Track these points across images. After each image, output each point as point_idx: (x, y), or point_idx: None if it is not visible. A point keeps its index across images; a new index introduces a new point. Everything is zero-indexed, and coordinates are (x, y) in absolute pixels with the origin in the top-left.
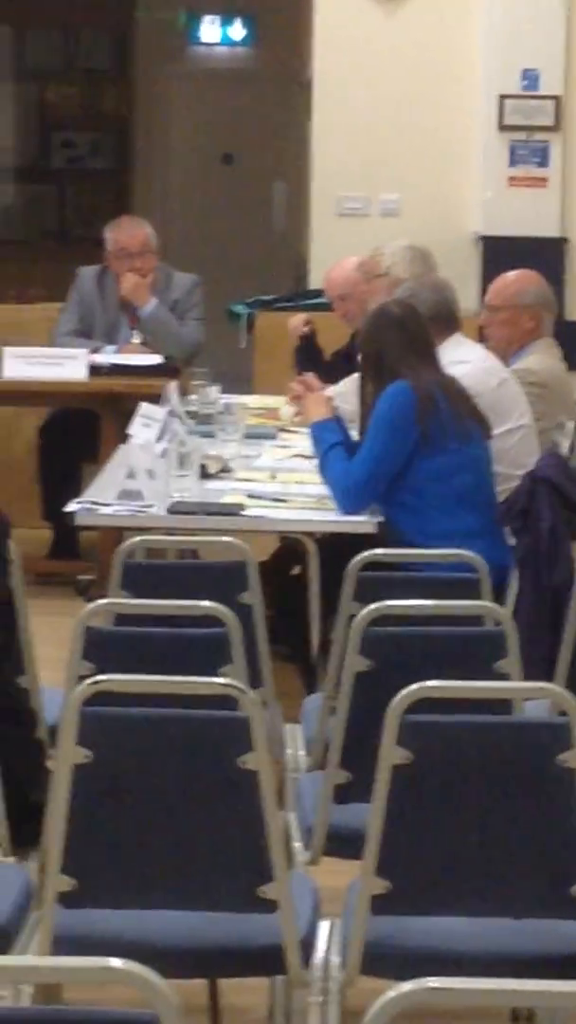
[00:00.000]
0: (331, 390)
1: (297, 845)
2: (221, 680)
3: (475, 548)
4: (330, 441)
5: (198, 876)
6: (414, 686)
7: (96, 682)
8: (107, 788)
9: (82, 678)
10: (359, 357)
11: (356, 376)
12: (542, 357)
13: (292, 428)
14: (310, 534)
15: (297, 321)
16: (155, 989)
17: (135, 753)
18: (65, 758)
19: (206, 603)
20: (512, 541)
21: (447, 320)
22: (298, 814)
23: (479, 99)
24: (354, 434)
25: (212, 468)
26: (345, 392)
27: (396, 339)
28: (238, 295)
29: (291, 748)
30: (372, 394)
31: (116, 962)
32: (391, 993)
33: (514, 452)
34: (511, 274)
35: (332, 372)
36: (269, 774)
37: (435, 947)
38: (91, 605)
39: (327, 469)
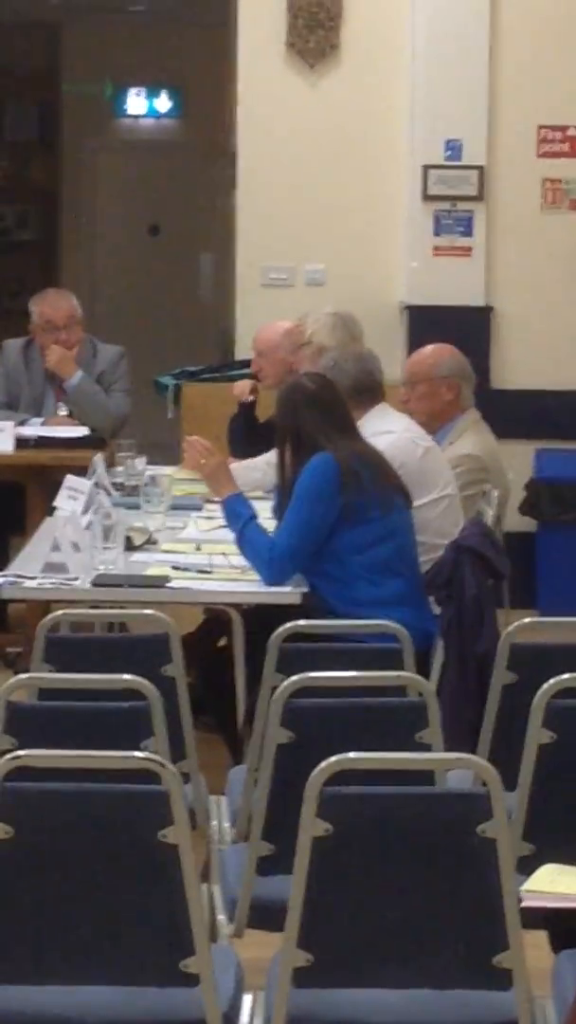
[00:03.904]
0: (262, 459)
1: (221, 918)
2: (140, 754)
3: (400, 615)
4: (246, 515)
5: (119, 951)
6: (333, 758)
7: (15, 757)
8: (27, 863)
9: (3, 753)
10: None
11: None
12: (477, 437)
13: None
14: (235, 605)
15: (243, 387)
16: None
17: (55, 828)
18: None
19: (127, 676)
20: (437, 610)
21: (371, 391)
22: (222, 886)
23: (403, 169)
24: (263, 505)
25: (137, 540)
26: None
27: (313, 414)
28: (165, 366)
29: (216, 820)
30: (292, 467)
31: None
32: None
33: (438, 522)
34: (426, 348)
35: (265, 438)
36: (189, 848)
37: (358, 1019)
38: (11, 680)
39: (248, 542)
